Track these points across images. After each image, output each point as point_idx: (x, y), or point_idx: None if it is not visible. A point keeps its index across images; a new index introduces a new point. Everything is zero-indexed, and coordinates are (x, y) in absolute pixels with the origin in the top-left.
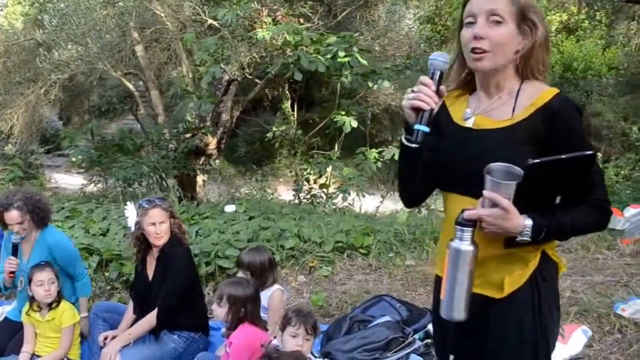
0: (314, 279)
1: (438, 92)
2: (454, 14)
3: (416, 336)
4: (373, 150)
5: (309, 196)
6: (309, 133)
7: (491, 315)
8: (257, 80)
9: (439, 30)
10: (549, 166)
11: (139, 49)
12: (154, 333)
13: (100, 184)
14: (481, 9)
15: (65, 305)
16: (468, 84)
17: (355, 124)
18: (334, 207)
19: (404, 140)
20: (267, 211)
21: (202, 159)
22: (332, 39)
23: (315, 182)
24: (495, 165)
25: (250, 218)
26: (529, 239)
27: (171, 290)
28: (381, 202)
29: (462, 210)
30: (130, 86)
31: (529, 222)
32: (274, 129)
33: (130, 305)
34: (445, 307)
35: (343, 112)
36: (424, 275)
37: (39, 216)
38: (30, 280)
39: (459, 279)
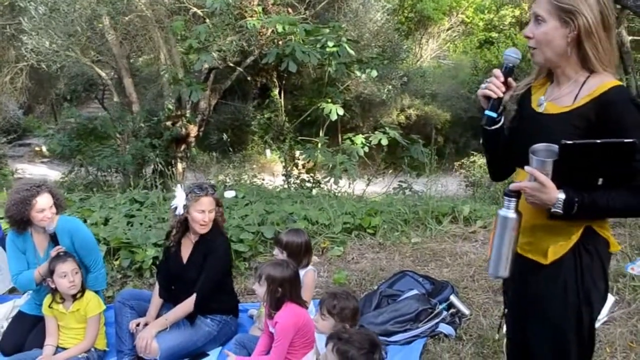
0: (327, 259)
1: (506, 83)
2: (417, 6)
3: (441, 307)
4: (360, 135)
5: (298, 181)
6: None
7: (540, 279)
8: (238, 68)
9: (402, 21)
10: (582, 148)
11: (112, 36)
12: (190, 319)
13: (75, 173)
14: (531, 13)
15: (89, 294)
16: (552, 73)
17: (341, 112)
18: (324, 191)
19: (481, 124)
20: (267, 196)
21: (183, 146)
22: (325, 30)
23: (303, 167)
24: (539, 145)
25: (250, 203)
26: (560, 211)
27: (210, 279)
28: (367, 184)
29: (509, 183)
30: (103, 74)
31: (562, 195)
32: (264, 115)
33: (156, 290)
34: (492, 267)
35: (329, 100)
36: (432, 252)
37: (59, 201)
38: (52, 273)
39: (505, 242)
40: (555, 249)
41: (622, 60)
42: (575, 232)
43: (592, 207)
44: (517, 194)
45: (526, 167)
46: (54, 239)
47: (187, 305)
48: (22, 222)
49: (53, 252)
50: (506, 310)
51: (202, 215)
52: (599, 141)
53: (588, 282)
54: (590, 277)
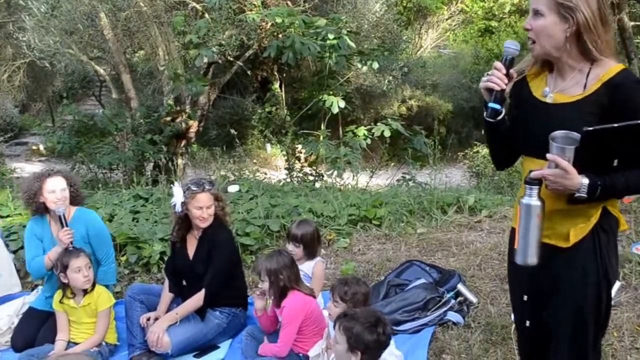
0: (333, 250)
1: (508, 75)
2: None
3: (449, 295)
4: (362, 127)
5: (300, 174)
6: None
7: (559, 261)
8: (238, 62)
9: (401, 12)
10: (603, 133)
11: (110, 33)
12: (199, 312)
13: (76, 170)
14: (530, 6)
15: (100, 288)
16: (547, 63)
17: (342, 104)
18: (328, 184)
19: (484, 116)
20: (271, 189)
21: (183, 142)
22: (322, 21)
23: (306, 161)
24: (558, 133)
25: (255, 197)
26: (585, 195)
27: (217, 272)
28: (371, 176)
29: (530, 171)
30: (101, 71)
31: (585, 180)
32: (264, 109)
33: (166, 284)
34: (520, 254)
35: (330, 93)
36: (438, 241)
37: (76, 191)
38: (65, 268)
39: (531, 229)
40: (576, 232)
41: (625, 46)
42: (594, 214)
43: (612, 188)
44: (538, 181)
45: (548, 155)
46: (62, 225)
47: (197, 300)
48: (35, 203)
49: (61, 233)
50: (525, 296)
51: (201, 211)
52: (616, 125)
53: (605, 260)
54: (607, 255)
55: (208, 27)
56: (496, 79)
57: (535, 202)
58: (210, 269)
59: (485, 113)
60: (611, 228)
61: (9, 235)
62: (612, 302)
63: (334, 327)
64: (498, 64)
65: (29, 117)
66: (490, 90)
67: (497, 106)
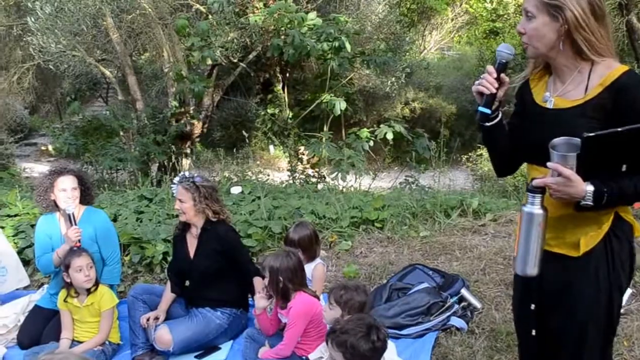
0: (335, 253)
1: (499, 79)
2: None
3: (452, 300)
4: (365, 129)
5: (303, 176)
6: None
7: (571, 269)
8: (241, 64)
9: (404, 13)
10: (605, 138)
11: (116, 35)
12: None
13: (87, 170)
14: (522, 9)
15: (103, 288)
16: (548, 66)
17: (344, 106)
18: (330, 186)
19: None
20: (273, 191)
21: (188, 143)
22: (315, 16)
23: (308, 162)
24: (558, 140)
25: (257, 199)
26: (591, 203)
27: (247, 260)
28: (373, 179)
29: (532, 179)
30: (107, 73)
31: (590, 187)
32: (268, 111)
33: (168, 285)
34: (519, 264)
35: (333, 94)
36: (442, 245)
37: (87, 190)
38: (67, 267)
39: (532, 238)
40: (587, 240)
41: (634, 47)
42: (606, 221)
43: (621, 194)
44: (541, 189)
45: (549, 164)
46: (71, 223)
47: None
48: (45, 200)
49: (70, 231)
50: (533, 305)
51: (177, 203)
52: (620, 129)
53: (618, 267)
54: (620, 262)
55: (210, 30)
56: (486, 82)
57: (537, 210)
58: (240, 262)
59: (476, 117)
60: (625, 234)
61: (17, 234)
62: (623, 310)
63: (327, 344)
64: (490, 67)
65: (38, 118)
66: (481, 94)
67: (487, 110)
